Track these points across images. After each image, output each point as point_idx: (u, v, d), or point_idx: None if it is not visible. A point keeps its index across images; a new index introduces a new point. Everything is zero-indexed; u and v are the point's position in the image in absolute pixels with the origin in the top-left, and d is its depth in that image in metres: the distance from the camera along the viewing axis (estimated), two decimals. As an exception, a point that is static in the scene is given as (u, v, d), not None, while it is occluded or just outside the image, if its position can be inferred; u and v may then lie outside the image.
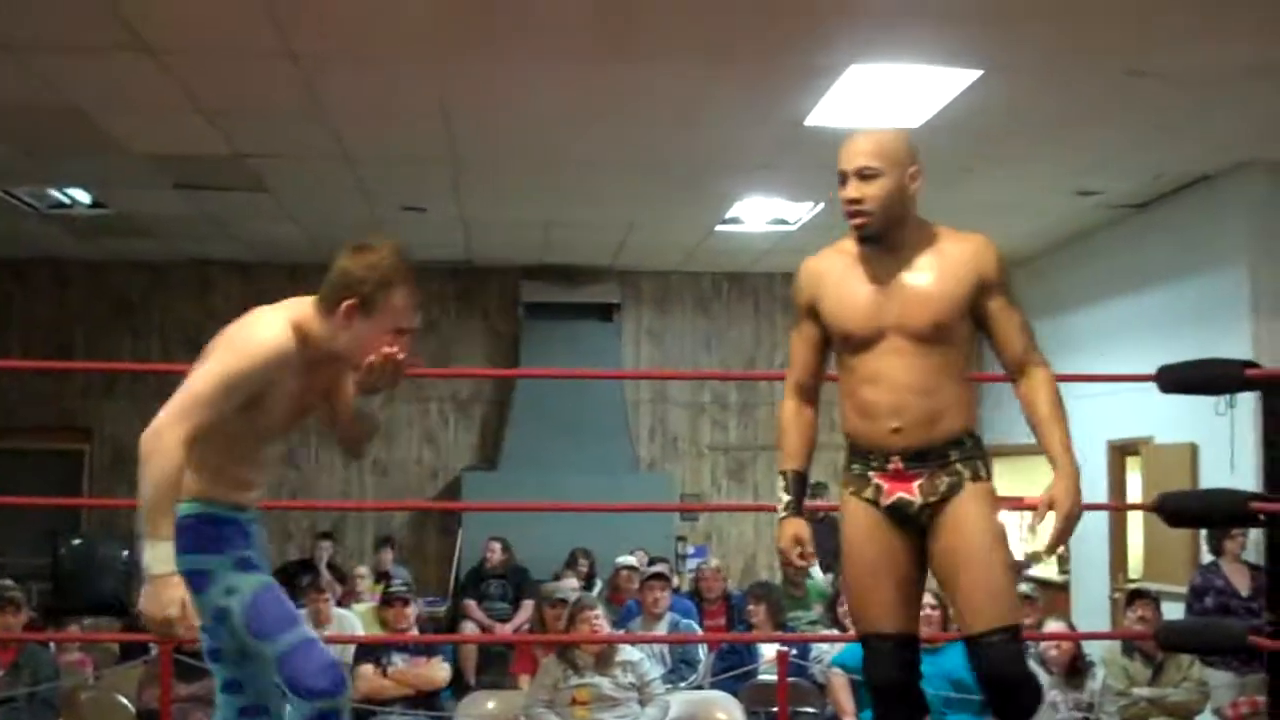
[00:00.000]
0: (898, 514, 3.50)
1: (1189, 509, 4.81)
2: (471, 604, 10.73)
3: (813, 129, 7.85)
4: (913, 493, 3.47)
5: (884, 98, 7.32)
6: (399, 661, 7.54)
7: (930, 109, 7.52)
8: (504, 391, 13.04)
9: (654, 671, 6.93)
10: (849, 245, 3.59)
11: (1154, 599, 7.43)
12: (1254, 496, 4.56)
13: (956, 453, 3.47)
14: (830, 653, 7.34)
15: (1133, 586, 8.70)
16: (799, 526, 3.61)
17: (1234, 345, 8.26)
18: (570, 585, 9.39)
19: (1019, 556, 11.95)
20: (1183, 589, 8.48)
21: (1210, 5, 6.05)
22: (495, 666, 9.15)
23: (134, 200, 10.35)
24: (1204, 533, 8.33)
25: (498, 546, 10.97)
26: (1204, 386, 4.68)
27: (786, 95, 7.37)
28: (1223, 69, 6.92)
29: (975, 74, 6.93)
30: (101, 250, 12.36)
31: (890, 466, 3.48)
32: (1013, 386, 3.56)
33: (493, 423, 13.19)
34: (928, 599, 6.78)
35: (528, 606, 10.11)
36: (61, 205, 10.46)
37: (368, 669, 7.32)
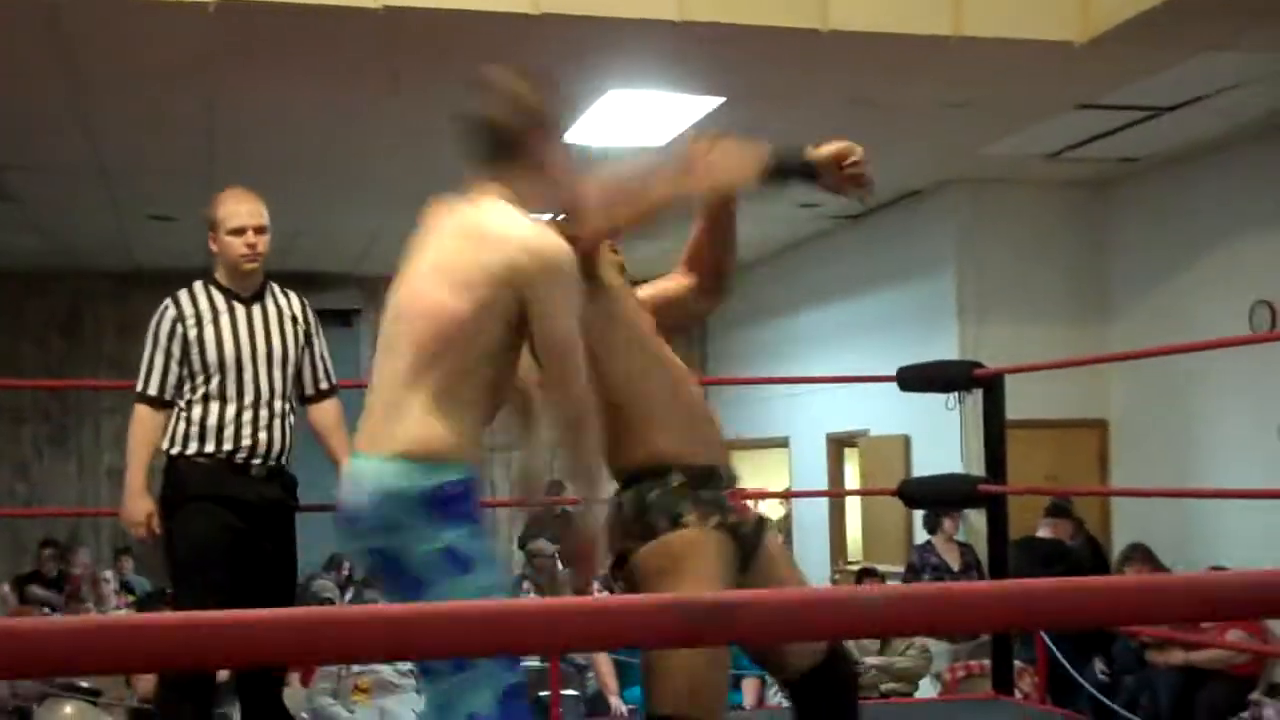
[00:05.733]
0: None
1: (927, 493, 5.48)
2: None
3: (564, 149, 8.30)
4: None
5: (633, 121, 7.87)
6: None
7: (673, 132, 8.09)
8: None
9: (430, 660, 7.28)
10: None
11: (881, 577, 8.20)
12: (981, 480, 5.25)
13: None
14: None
15: (859, 566, 9.49)
16: None
17: (941, 347, 9.11)
18: (326, 585, 9.62)
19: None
20: (897, 568, 9.32)
21: (924, 47, 6.77)
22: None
23: None
24: (920, 515, 9.20)
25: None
26: (938, 384, 5.32)
27: (543, 116, 7.76)
28: (930, 101, 7.72)
29: (719, 100, 7.54)
30: None
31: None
32: None
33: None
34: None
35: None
36: None
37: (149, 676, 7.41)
